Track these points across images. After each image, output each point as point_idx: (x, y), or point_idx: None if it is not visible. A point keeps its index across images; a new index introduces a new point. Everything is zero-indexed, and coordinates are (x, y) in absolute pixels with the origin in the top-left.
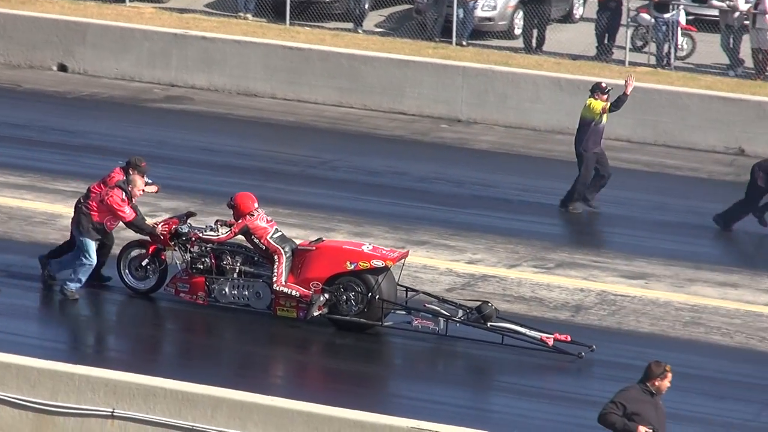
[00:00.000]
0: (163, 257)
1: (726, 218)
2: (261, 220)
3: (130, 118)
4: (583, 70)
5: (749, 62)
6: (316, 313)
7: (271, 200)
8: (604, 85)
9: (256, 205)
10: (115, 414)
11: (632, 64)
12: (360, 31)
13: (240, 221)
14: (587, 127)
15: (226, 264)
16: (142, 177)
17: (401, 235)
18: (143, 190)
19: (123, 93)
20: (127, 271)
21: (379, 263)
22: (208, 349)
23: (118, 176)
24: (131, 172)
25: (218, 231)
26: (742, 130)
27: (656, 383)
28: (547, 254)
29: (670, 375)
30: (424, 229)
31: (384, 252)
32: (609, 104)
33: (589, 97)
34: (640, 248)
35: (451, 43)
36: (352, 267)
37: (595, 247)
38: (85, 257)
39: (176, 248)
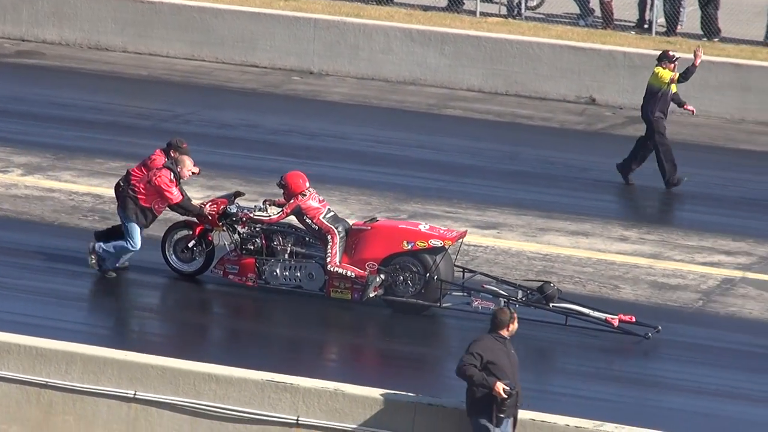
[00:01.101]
0: (210, 238)
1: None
2: (313, 199)
3: None
4: (434, 21)
5: (599, 12)
6: (372, 295)
7: (123, 155)
8: (671, 53)
9: (307, 184)
10: None
11: (483, 14)
12: None
13: (292, 201)
14: (655, 95)
15: (276, 245)
16: (190, 157)
17: (255, 187)
18: (192, 171)
19: None
20: (172, 252)
21: (438, 243)
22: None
23: (160, 158)
24: (173, 153)
25: (267, 211)
26: (593, 79)
27: (507, 330)
28: (401, 205)
29: (516, 317)
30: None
31: (442, 231)
32: (678, 74)
33: (657, 65)
34: (492, 198)
35: None
36: (410, 247)
37: (447, 198)
38: (129, 242)
39: (225, 229)
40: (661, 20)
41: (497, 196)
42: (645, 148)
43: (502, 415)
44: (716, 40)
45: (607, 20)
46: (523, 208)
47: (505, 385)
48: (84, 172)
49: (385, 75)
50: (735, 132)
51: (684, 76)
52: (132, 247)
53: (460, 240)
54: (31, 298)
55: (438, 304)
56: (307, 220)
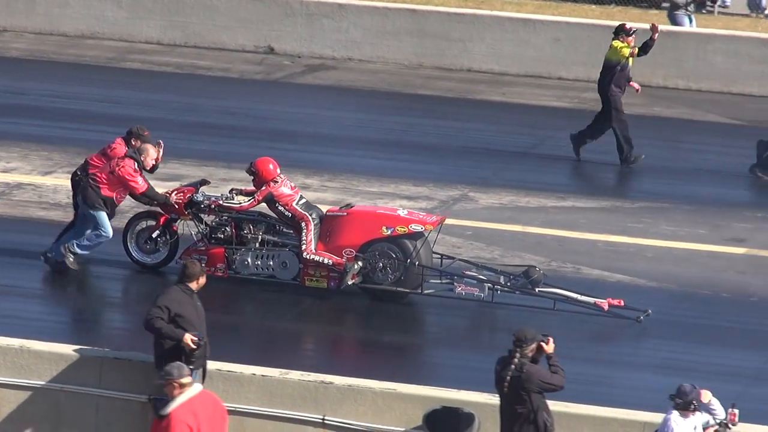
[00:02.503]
0: (174, 228)
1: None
2: (285, 186)
3: None
4: None
5: None
6: (350, 282)
7: None
8: (628, 26)
9: (278, 170)
10: None
11: None
12: None
13: (263, 188)
14: (612, 69)
15: (247, 233)
16: (154, 146)
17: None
18: (156, 160)
19: None
20: (134, 244)
21: (418, 228)
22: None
23: (121, 147)
24: (134, 142)
25: (234, 199)
26: (271, 29)
27: (197, 282)
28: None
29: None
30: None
31: (421, 216)
32: (637, 48)
33: (614, 39)
34: (175, 150)
35: None
36: (389, 232)
37: None
38: (103, 231)
39: (191, 218)
40: None
41: (179, 148)
42: (603, 123)
43: (191, 367)
44: None
45: None
46: (206, 159)
47: (193, 336)
48: None
49: (63, 29)
50: (413, 77)
51: (644, 50)
52: (105, 234)
53: (440, 225)
54: None
55: (420, 291)
56: (280, 208)
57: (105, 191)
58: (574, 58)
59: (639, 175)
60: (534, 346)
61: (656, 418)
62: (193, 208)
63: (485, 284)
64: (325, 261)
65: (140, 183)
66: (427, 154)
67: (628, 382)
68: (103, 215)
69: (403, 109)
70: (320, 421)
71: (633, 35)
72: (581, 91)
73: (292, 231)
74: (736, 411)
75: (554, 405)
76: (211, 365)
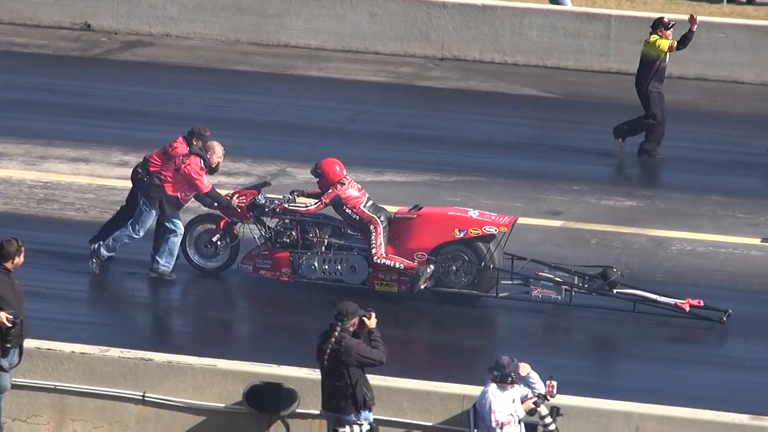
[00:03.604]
0: (235, 232)
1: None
2: (353, 188)
3: None
4: None
5: None
6: (422, 287)
7: None
8: (666, 20)
9: (345, 171)
10: None
11: None
12: None
13: (330, 191)
14: (651, 65)
15: (312, 237)
16: (220, 144)
17: None
18: (222, 159)
19: None
20: (193, 248)
21: (492, 230)
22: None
23: (182, 146)
24: (195, 142)
25: (295, 201)
26: (87, 5)
27: (12, 262)
28: None
29: (24, 250)
30: None
31: (493, 217)
32: (676, 42)
33: (652, 34)
34: None
35: None
36: (462, 235)
37: None
38: (135, 229)
39: (253, 221)
40: None
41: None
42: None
43: (8, 345)
44: None
45: None
46: (22, 136)
47: (8, 314)
48: None
49: None
50: (230, 53)
51: (683, 44)
52: (136, 234)
53: (512, 226)
54: None
55: (495, 294)
56: (347, 211)
57: (170, 189)
58: (390, 33)
59: (457, 149)
60: (356, 320)
61: (474, 390)
62: (255, 211)
63: (562, 286)
64: (397, 265)
65: (205, 182)
66: (244, 129)
67: None
68: (150, 216)
69: (220, 84)
70: (140, 397)
71: (672, 28)
72: (397, 66)
73: (358, 234)
74: (555, 383)
75: (374, 379)
76: (30, 343)
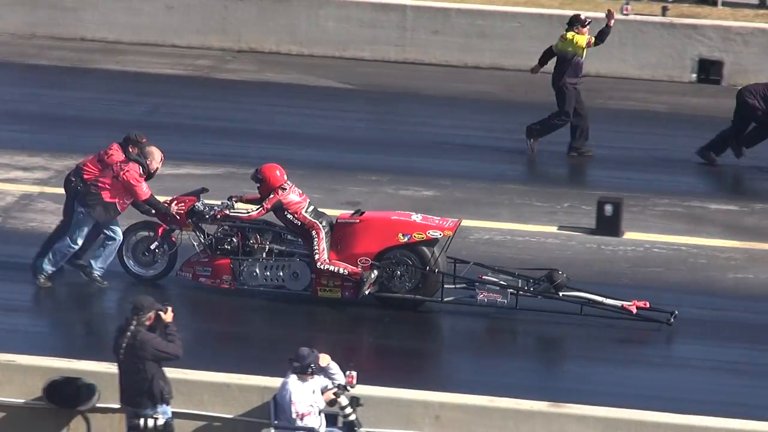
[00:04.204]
0: (173, 239)
1: (714, 149)
2: (294, 193)
3: None
4: None
5: None
6: (366, 292)
7: None
8: (583, 17)
9: (285, 176)
10: None
11: None
12: None
13: (271, 196)
14: (568, 62)
15: (253, 243)
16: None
17: None
18: (161, 165)
19: None
20: (131, 256)
21: (437, 234)
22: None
23: (118, 153)
24: (132, 149)
25: (233, 206)
26: None
27: None
28: None
29: None
30: None
31: (437, 221)
32: (594, 38)
33: (568, 31)
34: None
35: None
36: (406, 239)
37: None
38: (71, 239)
39: (193, 228)
40: None
41: None
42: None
43: None
44: None
45: None
46: None
47: None
48: None
49: None
50: (26, 47)
51: (600, 39)
52: (75, 244)
53: (456, 229)
54: None
55: (440, 299)
56: (288, 216)
57: (107, 197)
58: (187, 25)
59: (256, 141)
60: (152, 314)
61: (274, 382)
62: (194, 217)
63: (508, 290)
64: (341, 270)
65: (144, 189)
66: (42, 124)
67: None
68: (87, 225)
69: (17, 79)
70: None
71: (588, 25)
72: (195, 59)
73: (298, 239)
74: (354, 373)
75: (172, 373)
76: None
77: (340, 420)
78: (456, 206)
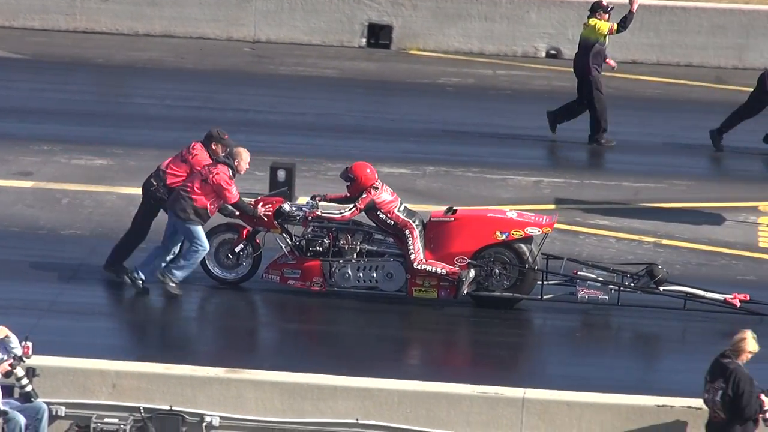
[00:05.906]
0: (257, 241)
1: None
2: (386, 192)
3: None
4: None
5: None
6: (465, 292)
7: None
8: (605, 3)
9: (376, 175)
10: None
11: None
12: None
13: (364, 195)
14: (590, 48)
15: (344, 244)
16: (246, 149)
17: None
18: (249, 165)
19: None
20: (213, 259)
21: (535, 231)
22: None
23: (202, 152)
24: (215, 147)
25: (317, 205)
26: None
27: None
28: None
29: None
30: None
31: (533, 218)
32: (616, 24)
33: (590, 17)
34: None
35: None
36: (504, 237)
37: None
38: (199, 245)
39: (281, 230)
40: None
41: None
42: (580, 104)
43: None
44: None
45: None
46: None
47: None
48: None
49: None
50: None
51: (623, 25)
52: (203, 248)
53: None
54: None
55: (539, 297)
56: (381, 215)
57: (198, 202)
58: None
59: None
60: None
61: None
62: (281, 218)
63: (609, 286)
64: (439, 270)
65: (234, 192)
66: None
67: None
68: (198, 228)
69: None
70: None
71: (611, 11)
72: None
73: (388, 239)
74: (30, 344)
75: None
76: None
77: (17, 391)
78: (129, 175)
